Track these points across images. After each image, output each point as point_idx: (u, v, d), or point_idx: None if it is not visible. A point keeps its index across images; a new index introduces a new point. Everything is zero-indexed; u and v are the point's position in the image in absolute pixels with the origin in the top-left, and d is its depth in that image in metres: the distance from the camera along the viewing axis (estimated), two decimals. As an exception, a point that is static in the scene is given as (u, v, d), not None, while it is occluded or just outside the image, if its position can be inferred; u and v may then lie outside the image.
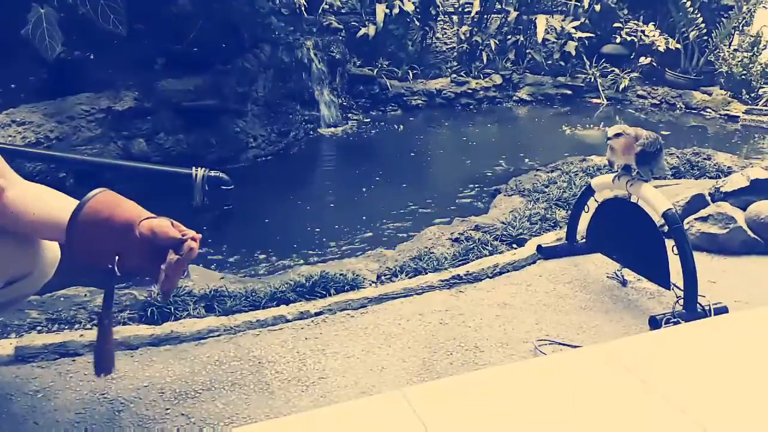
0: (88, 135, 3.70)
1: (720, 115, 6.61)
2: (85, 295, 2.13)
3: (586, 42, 7.15)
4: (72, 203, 1.30)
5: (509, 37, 7.10)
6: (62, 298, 2.11)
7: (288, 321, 2.07)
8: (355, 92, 6.26)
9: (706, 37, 6.98)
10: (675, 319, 2.05)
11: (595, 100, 7.10)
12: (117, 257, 1.23)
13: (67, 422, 1.56)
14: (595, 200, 2.49)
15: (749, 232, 2.67)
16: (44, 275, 1.50)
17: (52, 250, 1.49)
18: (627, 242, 2.37)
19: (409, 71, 6.62)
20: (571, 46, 7.04)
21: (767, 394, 1.53)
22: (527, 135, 5.98)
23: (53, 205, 1.31)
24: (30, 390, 1.68)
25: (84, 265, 1.27)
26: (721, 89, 6.86)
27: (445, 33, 7.27)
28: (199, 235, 1.25)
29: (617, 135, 2.21)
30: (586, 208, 2.53)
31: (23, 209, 1.30)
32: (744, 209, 2.76)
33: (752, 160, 4.13)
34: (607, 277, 2.43)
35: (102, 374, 1.34)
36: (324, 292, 2.22)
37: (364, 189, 4.23)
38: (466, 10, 7.12)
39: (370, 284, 2.34)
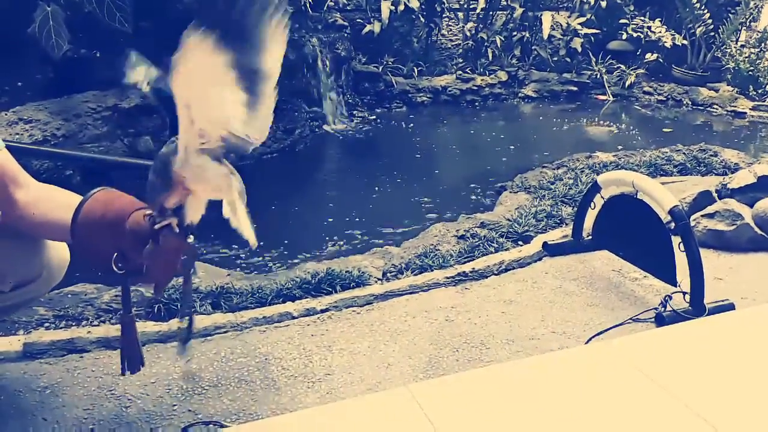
0: (94, 133, 3.71)
1: (727, 111, 6.58)
2: (93, 291, 2.14)
3: (592, 38, 7.12)
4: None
5: (515, 33, 7.08)
6: (69, 295, 2.12)
7: (294, 318, 2.08)
8: (360, 89, 6.25)
9: (712, 33, 6.94)
10: (681, 316, 2.05)
11: (601, 97, 7.07)
12: (115, 255, 1.20)
13: (75, 418, 1.57)
14: (602, 197, 2.48)
15: (756, 229, 2.66)
16: (53, 278, 1.50)
17: (61, 253, 1.49)
18: (633, 239, 2.37)
19: (415, 68, 6.61)
20: (576, 43, 7.01)
21: (774, 391, 1.52)
22: (533, 132, 5.97)
23: (62, 206, 1.30)
24: (38, 386, 1.69)
25: (92, 266, 1.25)
26: (728, 85, 6.82)
27: (451, 30, 7.26)
28: (174, 219, 1.14)
29: None
30: (592, 204, 2.52)
31: (34, 211, 1.30)
32: (751, 206, 2.74)
33: (759, 156, 4.11)
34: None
35: (128, 372, 1.32)
36: (330, 289, 2.22)
37: (369, 186, 4.22)
38: (471, 6, 7.11)
39: (376, 281, 2.34)
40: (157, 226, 1.13)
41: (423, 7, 6.55)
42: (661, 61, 7.17)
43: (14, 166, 1.30)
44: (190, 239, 1.17)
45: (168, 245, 1.14)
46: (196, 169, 1.06)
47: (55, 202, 1.31)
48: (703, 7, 6.89)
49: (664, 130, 6.03)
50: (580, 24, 7.05)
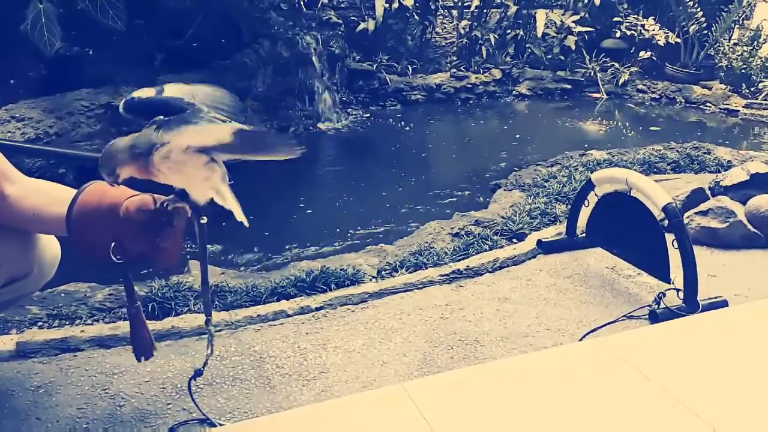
0: (87, 131, 3.69)
1: (720, 109, 6.60)
2: (86, 290, 2.14)
3: (586, 36, 7.13)
4: (72, 195, 1.30)
5: (509, 31, 7.09)
6: (63, 294, 2.11)
7: (289, 316, 2.08)
8: (354, 87, 6.25)
9: (706, 31, 6.97)
10: (675, 313, 2.06)
11: (594, 95, 7.09)
12: (113, 244, 1.22)
13: (68, 417, 1.57)
14: (595, 194, 2.49)
15: (749, 226, 2.67)
16: (45, 275, 1.49)
17: (52, 249, 1.48)
18: (627, 236, 2.37)
19: (409, 66, 6.61)
20: (570, 41, 7.03)
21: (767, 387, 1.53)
22: (527, 129, 5.98)
23: (54, 199, 1.31)
24: (31, 385, 1.68)
25: (90, 259, 1.27)
26: (720, 83, 6.85)
27: (445, 27, 7.26)
28: (183, 204, 1.22)
29: None
30: (586, 202, 2.53)
31: (24, 205, 1.30)
32: (744, 203, 2.76)
33: (752, 154, 4.12)
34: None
35: (141, 359, 1.38)
36: (324, 287, 2.22)
37: (363, 184, 4.22)
38: (465, 4, 7.11)
39: (371, 279, 2.34)
40: (170, 207, 1.20)
41: (417, 4, 6.55)
42: (655, 59, 7.19)
43: (1, 161, 1.30)
44: (204, 220, 1.26)
45: (182, 224, 1.23)
46: (175, 164, 1.11)
47: (47, 196, 1.32)
48: (696, 5, 6.92)
49: (652, 128, 6.05)
50: (574, 22, 7.06)
